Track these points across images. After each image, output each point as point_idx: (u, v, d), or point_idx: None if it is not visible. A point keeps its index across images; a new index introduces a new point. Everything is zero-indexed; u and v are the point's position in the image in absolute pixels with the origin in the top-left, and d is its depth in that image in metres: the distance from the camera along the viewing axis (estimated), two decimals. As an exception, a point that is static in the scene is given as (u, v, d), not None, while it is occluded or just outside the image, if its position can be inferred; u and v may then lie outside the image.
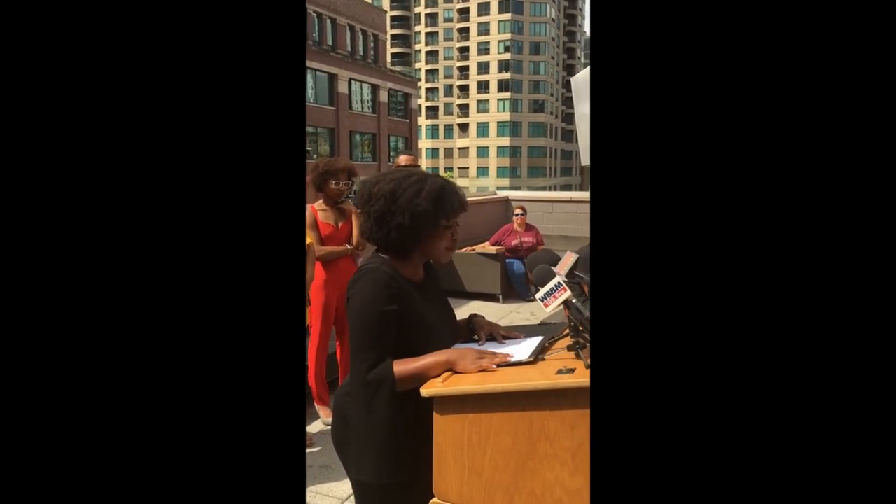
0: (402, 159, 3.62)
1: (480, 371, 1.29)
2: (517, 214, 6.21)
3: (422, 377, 1.30)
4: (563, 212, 7.47)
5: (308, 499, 2.51)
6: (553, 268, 1.31)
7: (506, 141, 65.55)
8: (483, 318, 1.56)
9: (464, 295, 6.01)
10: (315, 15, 28.25)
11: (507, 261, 6.02)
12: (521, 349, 1.37)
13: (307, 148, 26.63)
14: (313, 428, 3.09)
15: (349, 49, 31.16)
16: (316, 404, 3.17)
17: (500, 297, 5.96)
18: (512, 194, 8.19)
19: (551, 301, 1.25)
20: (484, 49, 66.74)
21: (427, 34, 71.03)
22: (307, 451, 2.88)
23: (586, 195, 7.57)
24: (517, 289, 6.00)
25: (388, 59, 43.22)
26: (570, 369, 1.20)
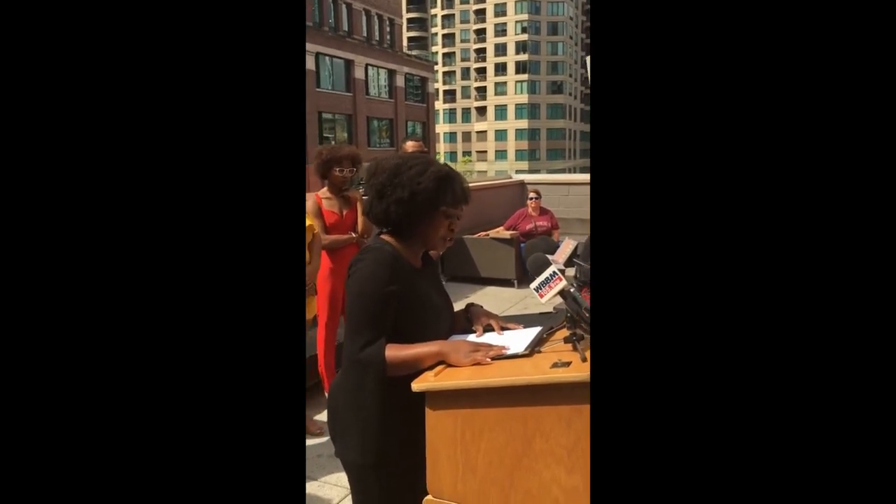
0: (409, 145, 3.55)
1: (474, 364, 1.25)
2: (531, 198, 6.11)
3: (413, 365, 1.27)
4: (579, 195, 7.35)
5: (316, 488, 2.51)
6: (550, 256, 1.25)
7: (524, 123, 64.96)
8: (480, 307, 1.51)
9: (478, 280, 5.97)
10: (330, 0, 28.13)
11: (522, 245, 5.95)
12: (518, 341, 1.32)
13: (326, 135, 26.66)
14: (323, 416, 3.08)
15: (365, 34, 31.02)
16: (326, 393, 3.16)
17: (515, 282, 5.89)
18: (527, 178, 8.09)
19: (547, 291, 1.19)
20: (501, 30, 65.99)
21: (443, 17, 70.46)
22: (317, 440, 2.88)
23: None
24: (532, 274, 5.93)
25: (405, 43, 43.01)
26: (565, 363, 1.15)
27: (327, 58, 26.94)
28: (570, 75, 68.11)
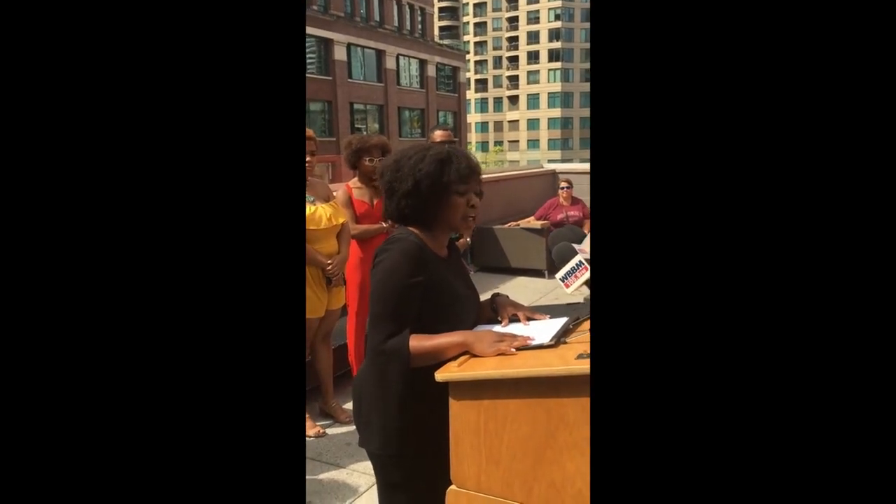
0: (438, 134, 3.51)
1: (498, 355, 1.23)
2: (563, 188, 6.03)
3: (437, 355, 1.27)
4: (612, 184, 7.23)
5: (345, 475, 2.54)
6: (576, 245, 1.23)
7: (557, 112, 64.15)
8: (506, 297, 1.50)
9: (508, 271, 5.93)
10: (361, -10, 28.20)
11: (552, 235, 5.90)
12: (544, 331, 1.31)
13: (358, 126, 26.76)
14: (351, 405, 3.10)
15: (396, 24, 31.00)
16: (355, 382, 3.19)
17: (546, 272, 5.83)
18: (559, 167, 7.99)
19: (572, 281, 1.17)
20: (534, 18, 65.15)
21: (475, 5, 69.88)
22: (345, 428, 2.91)
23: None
24: (563, 264, 5.87)
25: (436, 32, 42.85)
26: (590, 354, 1.13)
27: (359, 48, 27.02)
28: (605, 63, 66.80)
